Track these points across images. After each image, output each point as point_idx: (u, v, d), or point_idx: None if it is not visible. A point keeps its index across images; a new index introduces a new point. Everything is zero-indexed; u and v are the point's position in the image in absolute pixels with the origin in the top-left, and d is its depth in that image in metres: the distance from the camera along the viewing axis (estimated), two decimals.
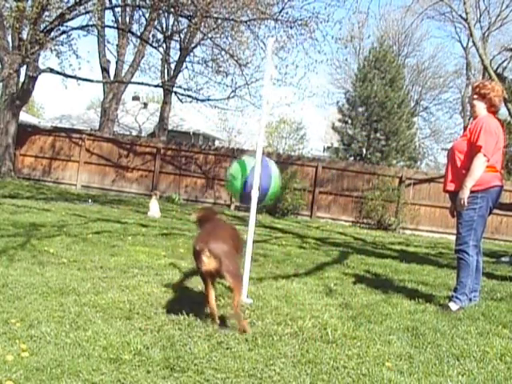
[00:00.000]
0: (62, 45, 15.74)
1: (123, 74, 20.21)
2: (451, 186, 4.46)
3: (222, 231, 3.66)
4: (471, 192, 4.25)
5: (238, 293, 3.35)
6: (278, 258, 6.50)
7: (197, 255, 3.37)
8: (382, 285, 5.20)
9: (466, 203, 4.24)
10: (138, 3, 17.93)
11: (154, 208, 10.33)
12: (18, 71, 15.41)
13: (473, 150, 4.29)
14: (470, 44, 29.25)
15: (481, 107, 4.48)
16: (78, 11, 15.19)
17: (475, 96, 4.51)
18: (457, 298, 4.33)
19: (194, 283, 4.49)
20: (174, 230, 8.38)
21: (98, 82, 19.26)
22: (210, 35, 17.84)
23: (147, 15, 18.98)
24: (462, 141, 4.50)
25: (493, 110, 4.51)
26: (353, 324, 3.66)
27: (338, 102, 28.84)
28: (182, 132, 30.52)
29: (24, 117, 25.73)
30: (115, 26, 19.52)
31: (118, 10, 19.36)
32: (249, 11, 16.12)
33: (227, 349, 3.02)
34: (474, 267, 4.38)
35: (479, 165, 4.22)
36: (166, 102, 22.87)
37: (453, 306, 4.30)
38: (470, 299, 4.56)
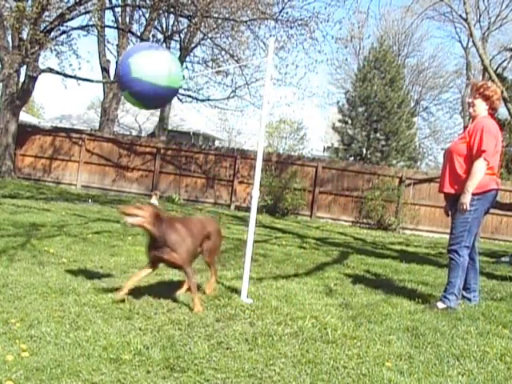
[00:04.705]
0: (62, 45, 15.73)
1: None
2: (451, 189, 4.45)
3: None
4: (475, 194, 4.25)
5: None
6: (278, 258, 6.50)
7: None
8: (381, 285, 5.20)
9: (468, 207, 4.24)
10: (138, 3, 17.94)
11: None
12: (18, 71, 15.40)
13: (474, 153, 4.27)
14: (470, 44, 29.28)
15: (482, 108, 4.48)
16: (78, 11, 15.18)
17: (477, 95, 4.49)
18: (445, 297, 4.35)
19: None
20: None
21: (98, 82, 19.26)
22: (210, 35, 17.86)
23: (147, 15, 18.99)
24: (460, 143, 4.48)
25: (492, 112, 4.52)
26: (353, 324, 3.66)
27: (338, 102, 28.85)
28: (182, 132, 30.50)
29: (24, 117, 25.72)
30: (115, 26, 19.50)
31: (118, 10, 19.36)
32: (249, 11, 16.14)
33: (227, 349, 3.02)
34: (465, 268, 4.39)
35: (480, 169, 4.23)
36: None
37: (440, 305, 4.33)
38: (470, 299, 4.57)
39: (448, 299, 4.33)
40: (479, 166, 4.23)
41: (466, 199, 4.24)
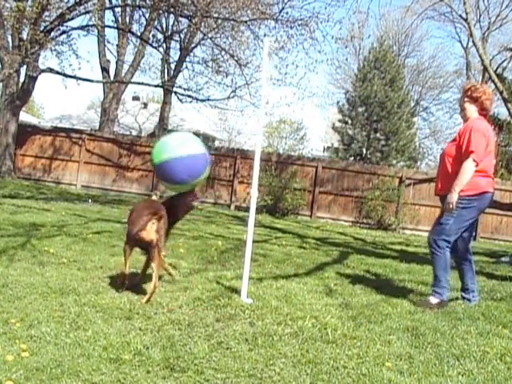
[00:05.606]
0: (62, 45, 15.73)
1: (123, 74, 20.21)
2: (441, 190, 4.47)
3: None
4: (464, 196, 4.25)
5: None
6: (278, 258, 6.50)
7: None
8: (381, 285, 5.20)
9: (454, 207, 4.24)
10: (138, 3, 17.92)
11: None
12: (18, 71, 15.39)
13: (463, 154, 4.27)
14: (470, 44, 29.31)
15: (472, 110, 4.47)
16: (78, 11, 15.17)
17: (466, 99, 4.48)
18: (435, 291, 4.40)
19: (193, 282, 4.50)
20: (174, 230, 8.36)
21: (98, 82, 19.26)
22: (210, 35, 17.83)
23: (147, 15, 18.98)
24: (451, 145, 4.50)
25: (484, 113, 4.49)
26: (353, 324, 3.66)
27: (338, 102, 28.89)
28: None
29: (24, 117, 25.73)
30: (115, 26, 19.50)
31: (118, 10, 19.35)
32: (249, 11, 16.12)
33: (227, 349, 3.02)
34: (448, 262, 4.42)
35: (468, 169, 4.21)
36: (165, 102, 22.86)
37: (432, 299, 4.37)
38: (470, 299, 4.57)
39: (438, 293, 4.36)
40: (467, 167, 4.21)
41: (453, 199, 4.23)
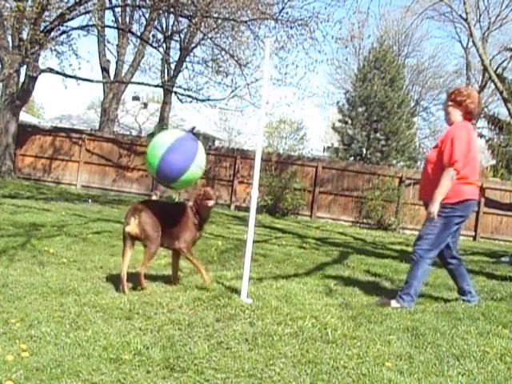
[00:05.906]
0: (62, 45, 15.74)
1: (123, 74, 20.21)
2: (424, 196, 4.45)
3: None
4: (446, 203, 4.21)
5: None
6: (278, 258, 6.50)
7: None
8: (382, 285, 5.20)
9: (435, 216, 4.20)
10: (138, 3, 17.93)
11: None
12: (18, 71, 15.40)
13: (446, 162, 4.19)
14: (470, 44, 29.36)
15: (456, 114, 4.41)
16: (78, 11, 15.18)
17: (450, 103, 4.42)
18: (400, 296, 4.34)
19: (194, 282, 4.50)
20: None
21: (98, 82, 19.26)
22: (210, 35, 17.84)
23: (147, 15, 18.98)
24: (433, 151, 4.46)
25: (468, 117, 4.42)
26: (353, 324, 3.66)
27: (338, 102, 28.88)
28: None
29: (24, 117, 25.72)
30: (115, 26, 19.50)
31: (118, 10, 19.35)
32: (249, 11, 16.13)
33: (227, 349, 3.03)
34: (425, 273, 4.42)
35: (448, 178, 4.16)
36: (165, 102, 22.86)
37: (394, 303, 4.31)
38: (469, 300, 4.56)
39: (403, 299, 4.31)
40: (449, 176, 4.15)
41: (434, 208, 4.19)
